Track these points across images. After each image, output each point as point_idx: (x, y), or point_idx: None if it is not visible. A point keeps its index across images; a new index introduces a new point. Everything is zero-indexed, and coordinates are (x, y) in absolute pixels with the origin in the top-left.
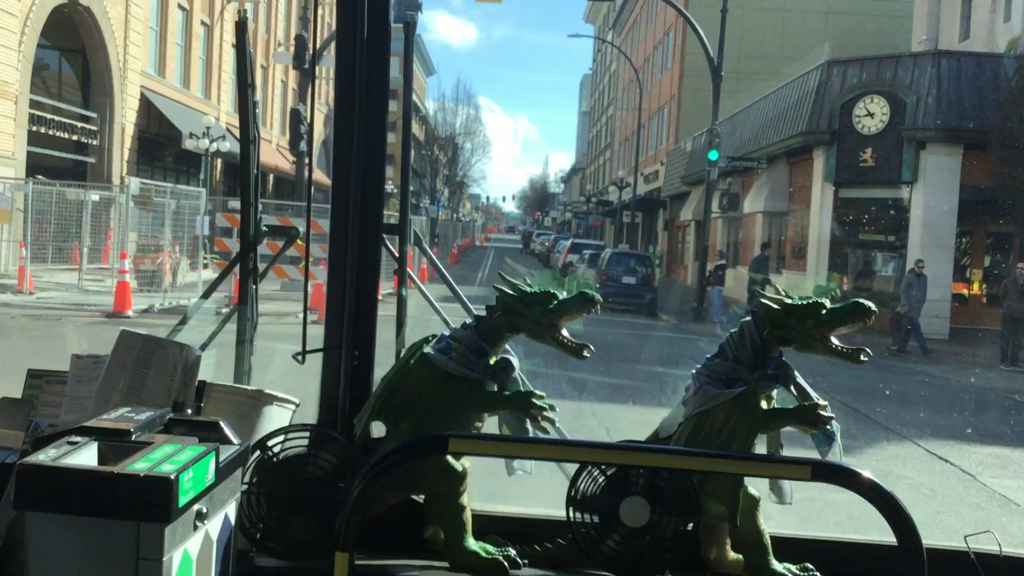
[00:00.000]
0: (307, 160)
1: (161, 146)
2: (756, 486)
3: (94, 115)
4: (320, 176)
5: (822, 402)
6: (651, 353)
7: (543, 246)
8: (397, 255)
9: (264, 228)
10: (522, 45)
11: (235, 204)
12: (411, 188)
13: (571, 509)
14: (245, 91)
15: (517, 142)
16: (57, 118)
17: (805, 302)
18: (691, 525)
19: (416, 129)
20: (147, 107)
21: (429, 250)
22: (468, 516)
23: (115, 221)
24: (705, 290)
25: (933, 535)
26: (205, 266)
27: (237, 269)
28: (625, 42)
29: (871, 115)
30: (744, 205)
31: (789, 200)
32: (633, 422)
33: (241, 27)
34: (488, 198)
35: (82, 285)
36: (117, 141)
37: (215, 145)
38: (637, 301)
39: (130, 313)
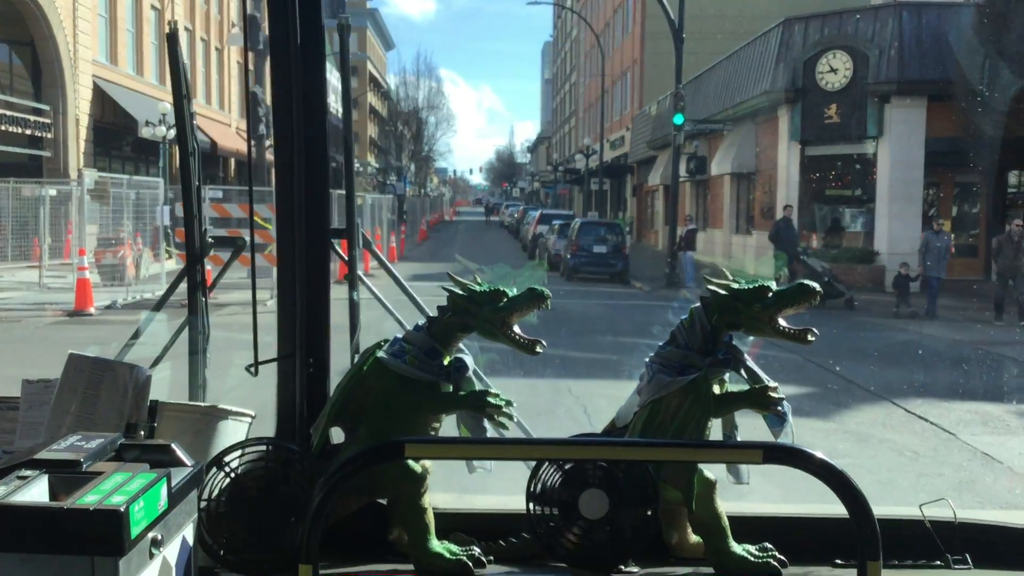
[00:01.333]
0: (255, 143)
1: (118, 135)
2: (713, 468)
3: (47, 107)
4: None
5: (772, 384)
6: (626, 323)
7: (512, 218)
8: (347, 259)
9: (210, 240)
10: (482, 15)
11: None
12: (378, 166)
13: (531, 504)
14: (181, 103)
15: (481, 113)
16: (8, 113)
17: (751, 286)
18: (649, 512)
19: (379, 105)
20: (101, 96)
21: (379, 253)
22: (431, 517)
23: (73, 216)
24: (676, 255)
25: (918, 499)
26: (169, 256)
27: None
28: (585, 7)
29: (834, 71)
30: (711, 167)
31: (756, 160)
32: (611, 398)
33: (172, 39)
34: (455, 172)
35: (43, 283)
36: (72, 133)
37: (172, 132)
38: (609, 270)
39: (92, 311)
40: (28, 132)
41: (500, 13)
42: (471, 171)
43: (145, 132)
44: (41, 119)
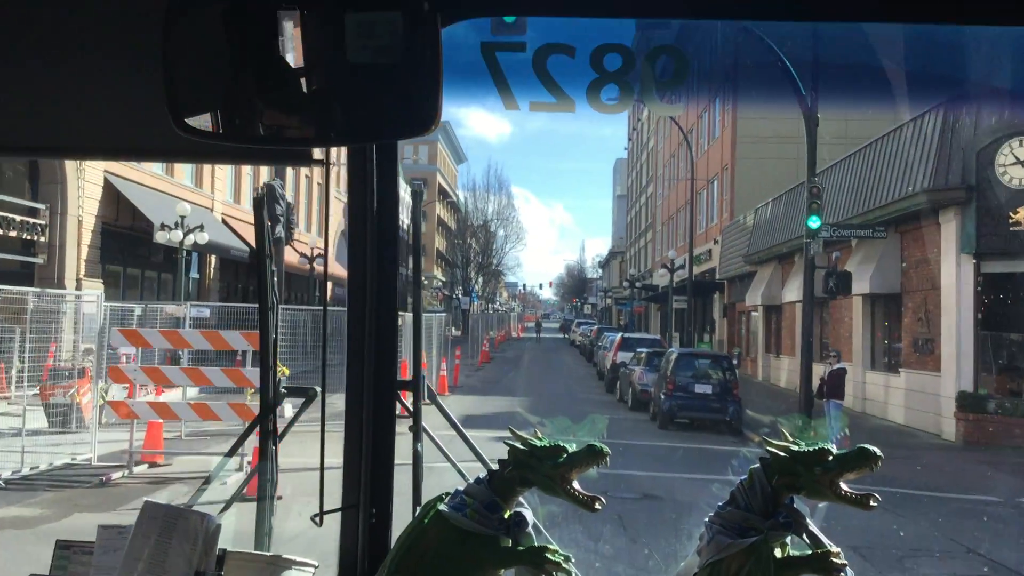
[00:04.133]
0: (324, 264)
1: (138, 242)
2: None
3: (42, 206)
4: (338, 269)
5: (835, 549)
6: None
7: (585, 337)
8: (412, 410)
9: (283, 390)
10: (555, 136)
11: (171, 309)
12: (444, 279)
13: None
14: (264, 262)
15: (554, 229)
16: None
17: (812, 449)
18: None
19: (447, 217)
20: (114, 197)
21: (443, 405)
22: None
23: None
24: (813, 402)
25: None
26: (103, 398)
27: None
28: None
29: (1021, 163)
30: None
31: (903, 277)
32: None
33: (259, 203)
34: (525, 286)
35: None
36: (72, 237)
37: (190, 237)
38: (716, 415)
39: None
40: (12, 234)
41: (573, 134)
42: (541, 286)
43: (160, 237)
44: (34, 220)
